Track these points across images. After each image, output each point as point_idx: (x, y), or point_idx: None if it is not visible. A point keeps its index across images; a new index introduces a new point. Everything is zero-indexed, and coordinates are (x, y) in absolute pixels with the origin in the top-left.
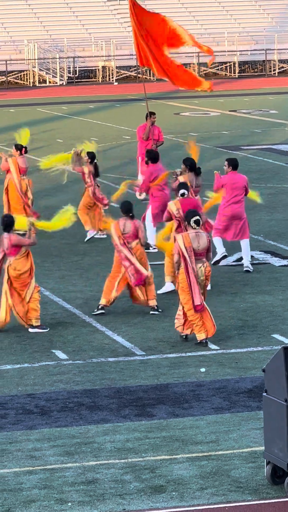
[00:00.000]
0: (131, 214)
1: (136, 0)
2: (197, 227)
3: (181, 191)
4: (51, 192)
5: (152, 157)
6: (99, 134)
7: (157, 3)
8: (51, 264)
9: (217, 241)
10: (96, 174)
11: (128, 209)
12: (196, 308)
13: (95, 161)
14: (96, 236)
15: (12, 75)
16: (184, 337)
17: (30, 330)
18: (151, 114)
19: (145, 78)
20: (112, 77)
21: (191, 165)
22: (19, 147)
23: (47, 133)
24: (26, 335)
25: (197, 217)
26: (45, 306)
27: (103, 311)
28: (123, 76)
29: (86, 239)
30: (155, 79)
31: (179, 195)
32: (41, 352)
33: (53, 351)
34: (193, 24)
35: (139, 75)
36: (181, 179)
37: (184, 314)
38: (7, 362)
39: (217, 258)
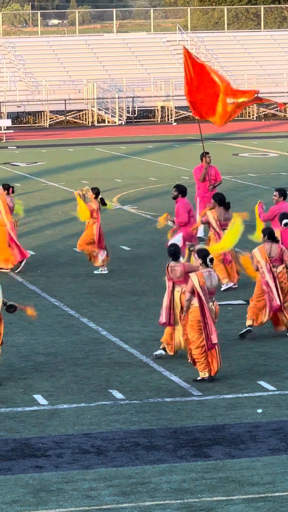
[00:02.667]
0: (276, 239)
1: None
2: (211, 266)
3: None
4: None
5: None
6: (157, 174)
7: (219, 46)
8: (108, 304)
9: None
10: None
11: (271, 234)
12: (210, 346)
13: (100, 196)
14: (96, 272)
15: (71, 114)
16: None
17: None
18: (205, 154)
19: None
20: (171, 117)
21: (220, 200)
22: (6, 187)
23: (106, 173)
24: (83, 374)
25: (212, 256)
26: (102, 346)
27: (249, 328)
28: (181, 116)
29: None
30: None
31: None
32: (98, 391)
33: (110, 391)
34: (252, 65)
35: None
36: (210, 214)
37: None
38: (64, 402)
39: None
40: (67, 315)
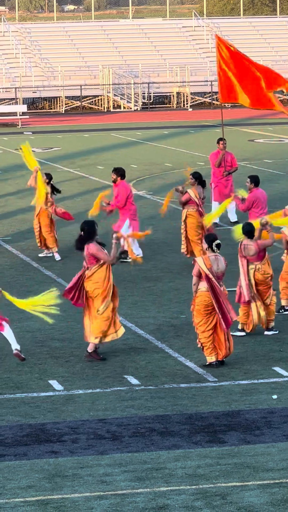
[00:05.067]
0: None
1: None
2: (218, 251)
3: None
4: None
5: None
6: (173, 160)
7: (235, 31)
8: (124, 289)
9: None
10: (54, 192)
11: None
12: (228, 324)
13: (52, 182)
14: (41, 255)
15: (87, 100)
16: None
17: None
18: (220, 140)
19: (221, 104)
20: (187, 103)
21: (199, 178)
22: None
23: (121, 158)
24: (98, 360)
25: (219, 241)
26: None
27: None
28: (197, 102)
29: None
30: (230, 106)
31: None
32: (113, 377)
33: (125, 376)
34: (267, 51)
35: (214, 102)
36: (191, 192)
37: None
38: (79, 387)
39: None
40: None
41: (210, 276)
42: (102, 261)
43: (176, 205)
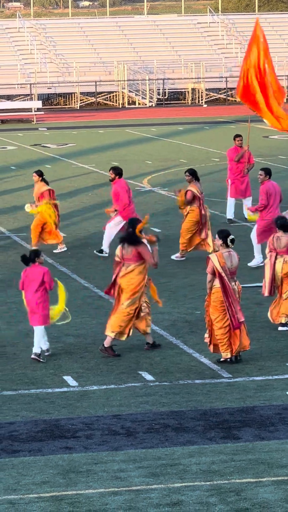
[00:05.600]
0: None
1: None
2: (232, 246)
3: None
4: None
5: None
6: (188, 156)
7: (250, 28)
8: None
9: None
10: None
11: None
12: (236, 325)
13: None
14: (56, 251)
15: (102, 96)
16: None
17: None
18: (237, 136)
19: (234, 100)
20: (202, 99)
21: (194, 174)
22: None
23: (136, 155)
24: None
25: (233, 236)
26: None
27: None
28: (212, 98)
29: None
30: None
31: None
32: (127, 373)
33: (140, 372)
34: (283, 47)
35: (228, 98)
36: (193, 189)
37: (211, 337)
38: (94, 383)
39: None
40: (97, 296)
41: (223, 274)
42: (143, 261)
43: None
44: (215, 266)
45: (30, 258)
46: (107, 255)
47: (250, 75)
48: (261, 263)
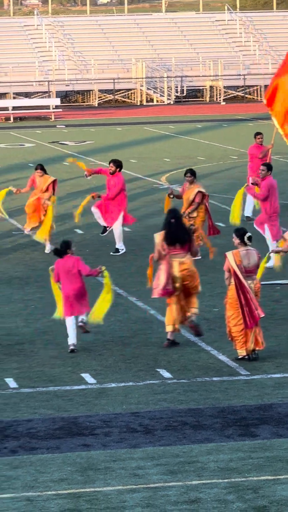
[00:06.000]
0: None
1: None
2: (250, 244)
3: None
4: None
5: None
6: (206, 153)
7: (268, 25)
8: None
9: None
10: None
11: None
12: (249, 325)
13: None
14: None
15: (120, 93)
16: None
17: None
18: (258, 134)
19: (252, 98)
20: (220, 97)
21: (195, 174)
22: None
23: (154, 152)
24: (131, 353)
25: (250, 234)
26: (150, 325)
27: None
28: (230, 96)
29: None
30: (263, 100)
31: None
32: (145, 370)
33: (158, 370)
34: None
35: (246, 96)
36: (201, 188)
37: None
38: (112, 380)
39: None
40: (115, 294)
41: (238, 273)
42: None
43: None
44: (230, 264)
45: (62, 250)
46: (124, 250)
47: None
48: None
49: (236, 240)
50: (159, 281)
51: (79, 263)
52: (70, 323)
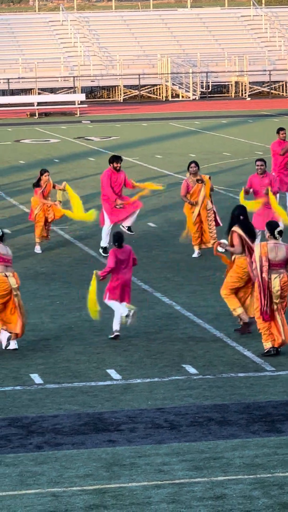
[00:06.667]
0: None
1: None
2: (280, 238)
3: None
4: None
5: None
6: (231, 149)
7: None
8: (182, 278)
9: None
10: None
11: None
12: (265, 317)
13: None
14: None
15: (145, 89)
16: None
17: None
18: (281, 130)
19: (277, 94)
20: (245, 92)
21: (198, 164)
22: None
23: (180, 148)
24: (156, 349)
25: (281, 228)
26: (176, 320)
27: None
28: (255, 91)
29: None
30: None
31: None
32: (171, 366)
33: (183, 365)
34: None
35: (272, 91)
36: (206, 180)
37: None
38: (137, 376)
39: None
40: (141, 289)
41: (262, 264)
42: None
43: (235, 195)
44: (255, 255)
45: (122, 239)
46: (133, 233)
47: None
48: None
49: (267, 234)
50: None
51: (133, 252)
52: (119, 309)
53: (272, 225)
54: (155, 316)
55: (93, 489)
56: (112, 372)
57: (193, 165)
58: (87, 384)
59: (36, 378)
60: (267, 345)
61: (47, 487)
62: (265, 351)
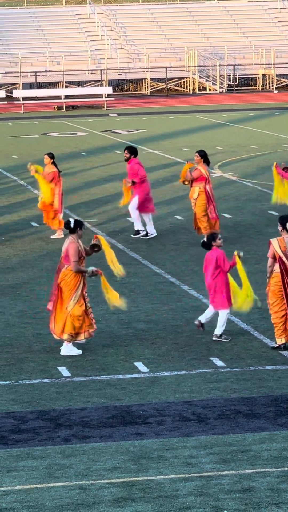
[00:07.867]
0: None
1: None
2: None
3: None
4: None
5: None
6: (258, 142)
7: None
8: None
9: None
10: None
11: None
12: None
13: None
14: (52, 237)
15: (172, 82)
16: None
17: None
18: None
19: None
20: (272, 85)
21: (204, 156)
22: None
23: (207, 140)
24: (184, 342)
25: None
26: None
27: None
28: (283, 84)
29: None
30: None
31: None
32: (198, 359)
33: (211, 358)
34: None
35: None
36: (201, 168)
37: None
38: (165, 369)
39: None
40: (168, 282)
41: (284, 258)
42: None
43: (262, 187)
44: (275, 250)
45: (208, 243)
46: (144, 232)
47: None
48: None
49: (279, 227)
50: None
51: (219, 259)
52: (220, 315)
53: (284, 219)
54: (183, 309)
55: (120, 482)
56: (140, 365)
57: (196, 154)
58: (115, 377)
59: (64, 371)
60: (281, 340)
61: (75, 480)
62: (276, 345)
